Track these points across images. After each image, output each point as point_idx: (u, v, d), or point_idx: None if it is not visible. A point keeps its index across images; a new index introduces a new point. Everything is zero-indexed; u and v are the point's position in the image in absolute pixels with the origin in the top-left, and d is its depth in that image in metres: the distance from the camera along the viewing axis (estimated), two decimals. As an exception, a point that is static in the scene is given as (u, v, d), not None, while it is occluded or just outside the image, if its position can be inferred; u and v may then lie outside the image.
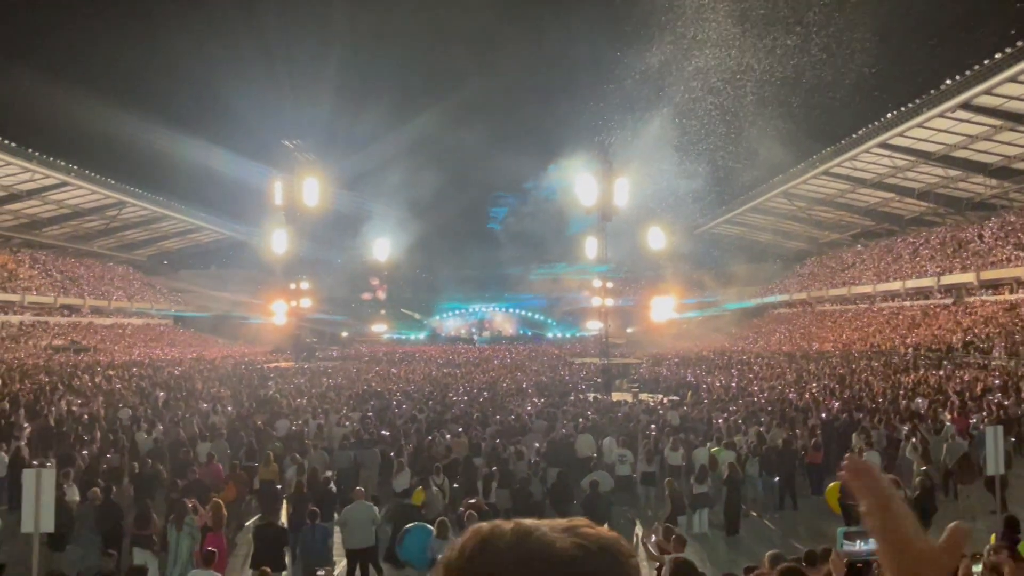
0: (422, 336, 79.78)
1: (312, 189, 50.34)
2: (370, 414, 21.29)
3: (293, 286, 52.61)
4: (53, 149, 47.10)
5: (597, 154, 43.05)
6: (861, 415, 18.77)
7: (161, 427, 18.42)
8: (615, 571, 0.88)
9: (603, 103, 64.00)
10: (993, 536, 7.11)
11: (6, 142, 42.88)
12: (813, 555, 6.72)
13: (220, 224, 68.73)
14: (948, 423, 16.91)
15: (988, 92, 34.28)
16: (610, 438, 16.41)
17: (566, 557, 0.85)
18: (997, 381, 24.46)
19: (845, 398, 22.81)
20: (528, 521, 0.90)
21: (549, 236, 68.39)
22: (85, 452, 15.26)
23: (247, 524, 13.48)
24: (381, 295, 77.38)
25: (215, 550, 8.95)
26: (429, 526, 10.01)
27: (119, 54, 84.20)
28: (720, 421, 19.15)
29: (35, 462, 13.20)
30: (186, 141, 57.35)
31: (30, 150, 44.86)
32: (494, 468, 13.86)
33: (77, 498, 12.09)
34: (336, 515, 11.98)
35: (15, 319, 50.09)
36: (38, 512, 8.18)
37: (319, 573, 9.55)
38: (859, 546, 1.94)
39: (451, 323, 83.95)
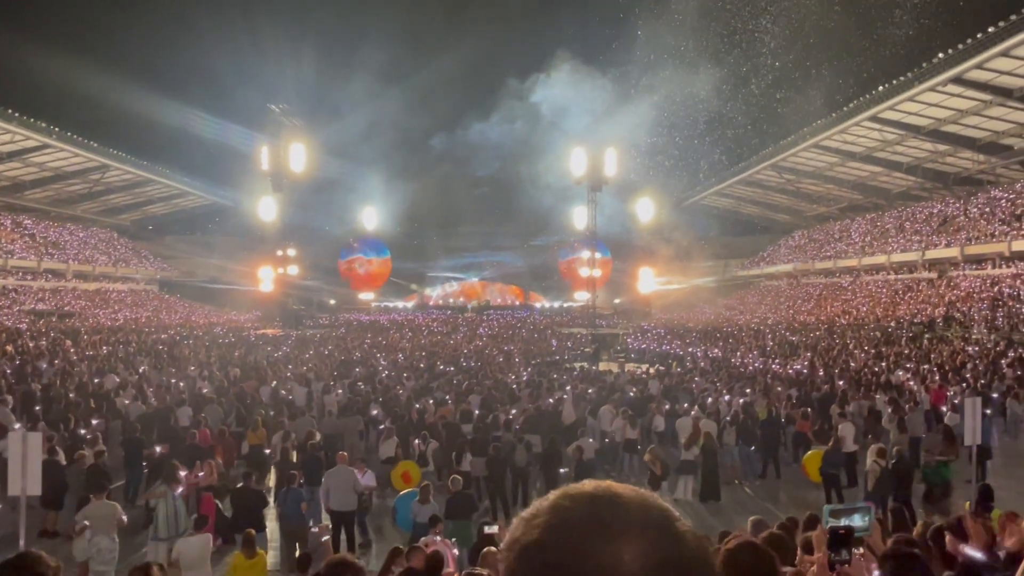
0: (411, 305, 79.70)
1: (298, 154, 49.76)
2: (360, 383, 21.36)
3: (280, 253, 52.25)
4: (34, 110, 46.17)
5: (589, 125, 42.93)
6: (842, 384, 19.06)
7: (151, 391, 18.43)
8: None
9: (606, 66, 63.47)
10: (968, 503, 7.31)
11: (-15, 103, 41.96)
12: (794, 521, 6.88)
13: (206, 189, 67.83)
14: (924, 394, 17.25)
15: (979, 66, 34.21)
16: (605, 407, 16.65)
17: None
18: (973, 352, 24.86)
19: (826, 369, 23.13)
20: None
21: (538, 204, 68.18)
22: (72, 417, 15.23)
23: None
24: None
25: (207, 515, 9.00)
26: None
27: (102, 15, 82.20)
28: (701, 390, 19.38)
29: (17, 425, 13.16)
30: (170, 104, 56.38)
31: (10, 111, 43.88)
32: (471, 436, 13.99)
33: (64, 462, 12.10)
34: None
35: (-2, 283, 49.50)
36: (24, 475, 8.18)
37: (312, 530, 9.65)
38: (843, 523, 1.99)
39: (440, 292, 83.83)
